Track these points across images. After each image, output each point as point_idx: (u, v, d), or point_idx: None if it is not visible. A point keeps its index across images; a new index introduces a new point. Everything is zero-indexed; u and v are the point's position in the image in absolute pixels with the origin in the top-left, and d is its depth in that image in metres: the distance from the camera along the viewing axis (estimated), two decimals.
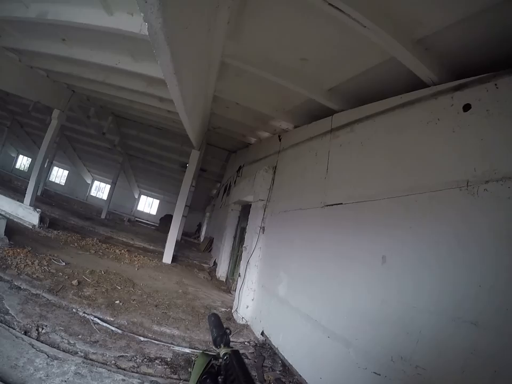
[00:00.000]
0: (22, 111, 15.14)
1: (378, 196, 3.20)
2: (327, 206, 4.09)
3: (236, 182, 10.57)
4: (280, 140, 6.59)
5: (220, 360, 0.96)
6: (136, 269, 8.00)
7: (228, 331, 1.09)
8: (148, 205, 31.96)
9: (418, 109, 2.97)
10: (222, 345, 1.02)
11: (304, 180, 5.00)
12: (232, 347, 1.02)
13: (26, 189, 10.07)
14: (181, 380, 3.37)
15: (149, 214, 30.99)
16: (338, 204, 3.86)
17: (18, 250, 5.82)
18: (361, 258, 3.24)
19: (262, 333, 5.06)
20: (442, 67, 2.97)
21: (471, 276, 2.08)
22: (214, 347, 1.05)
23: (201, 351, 1.00)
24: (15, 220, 8.51)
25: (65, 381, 2.72)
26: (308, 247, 4.42)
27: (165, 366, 3.59)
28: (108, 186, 23.51)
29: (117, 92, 8.59)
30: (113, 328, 4.16)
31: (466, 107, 2.44)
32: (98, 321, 4.22)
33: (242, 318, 5.74)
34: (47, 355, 3.03)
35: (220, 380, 0.87)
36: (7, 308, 3.76)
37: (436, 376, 2.12)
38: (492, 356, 1.83)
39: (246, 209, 8.34)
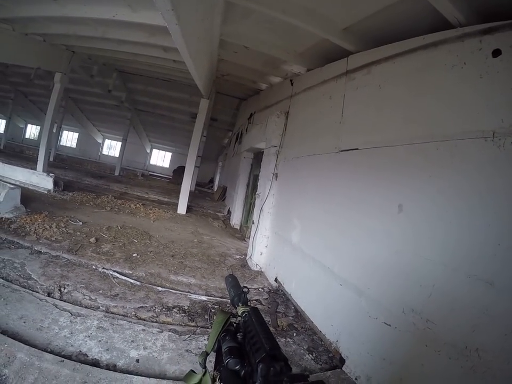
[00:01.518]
0: (24, 80, 14.99)
1: (396, 142, 3.03)
2: (341, 151, 3.94)
3: (247, 130, 10.40)
4: (292, 84, 6.27)
5: (239, 318, 0.96)
6: (152, 221, 8.20)
7: (246, 290, 1.10)
8: (161, 158, 32.21)
9: (442, 51, 2.67)
10: (240, 304, 1.02)
11: (317, 124, 4.80)
12: (250, 305, 1.02)
13: (38, 157, 10.13)
14: (198, 327, 3.52)
15: (162, 167, 31.38)
16: (354, 149, 3.71)
17: (35, 216, 5.95)
18: (377, 206, 3.16)
19: (276, 279, 5.21)
20: (471, 7, 2.62)
21: (490, 233, 1.98)
22: (232, 306, 1.07)
23: (219, 308, 1.01)
24: (30, 187, 8.69)
25: (89, 336, 2.87)
26: (321, 193, 4.36)
27: (183, 314, 3.76)
28: (119, 144, 23.56)
29: (118, 46, 8.25)
30: (132, 281, 4.33)
31: (496, 52, 2.17)
32: (117, 275, 4.39)
33: (256, 264, 5.90)
34: (70, 313, 3.19)
35: (239, 336, 0.88)
36: (30, 272, 3.91)
37: (445, 332, 2.12)
38: (504, 318, 1.79)
39: (258, 157, 8.27)
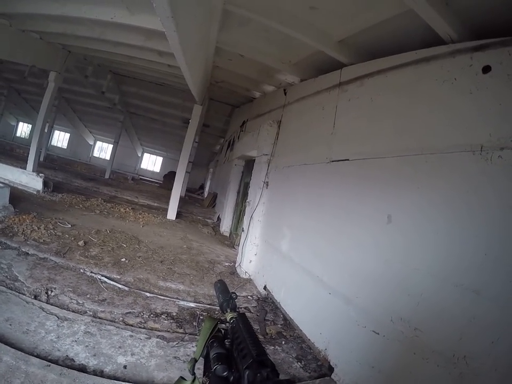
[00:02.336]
0: (18, 77, 14.76)
1: (387, 154, 3.10)
2: (332, 161, 3.99)
3: (239, 137, 10.44)
4: (285, 93, 6.33)
5: (227, 324, 0.96)
6: (141, 226, 8.15)
7: (234, 295, 1.10)
8: (152, 163, 31.98)
9: (434, 66, 2.76)
10: (229, 310, 1.03)
11: (309, 134, 4.86)
12: (238, 311, 1.02)
13: (28, 156, 9.99)
14: (186, 333, 3.49)
15: (152, 172, 31.15)
16: (345, 160, 3.76)
17: (24, 217, 5.85)
18: (366, 216, 3.21)
19: (265, 287, 5.21)
20: (463, 24, 2.72)
21: (477, 244, 2.04)
22: (221, 312, 1.07)
23: (207, 315, 1.01)
24: (19, 187, 8.54)
25: (76, 341, 2.83)
26: (311, 203, 4.40)
27: (171, 321, 3.72)
28: (111, 146, 23.35)
29: (114, 48, 8.19)
30: (120, 286, 4.28)
31: (486, 69, 2.25)
32: (106, 279, 4.34)
33: (246, 272, 5.89)
34: (57, 317, 3.13)
35: (227, 343, 0.88)
36: (16, 274, 3.84)
37: (433, 340, 2.16)
38: (491, 327, 1.84)
39: (249, 164, 8.29)
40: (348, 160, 3.71)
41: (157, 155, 31.43)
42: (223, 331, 0.96)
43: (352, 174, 3.61)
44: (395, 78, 3.24)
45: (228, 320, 0.97)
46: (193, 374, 0.91)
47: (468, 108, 2.35)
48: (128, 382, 2.48)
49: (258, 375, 0.65)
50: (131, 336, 3.15)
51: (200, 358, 0.93)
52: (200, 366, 0.95)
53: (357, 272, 3.15)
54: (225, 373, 0.75)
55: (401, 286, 2.56)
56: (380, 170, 3.16)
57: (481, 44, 2.36)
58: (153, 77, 11.24)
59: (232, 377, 0.74)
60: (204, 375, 0.85)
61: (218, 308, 1.11)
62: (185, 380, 0.94)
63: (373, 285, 2.89)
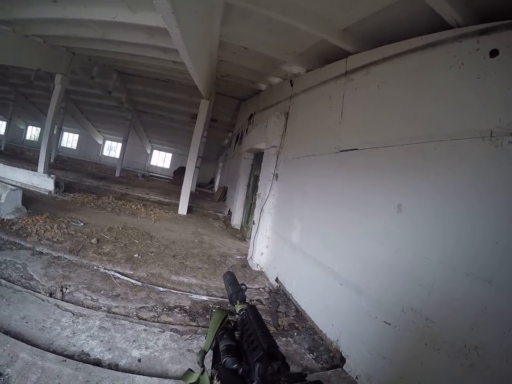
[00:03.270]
0: (24, 82, 14.99)
1: (395, 142, 3.04)
2: (341, 151, 3.96)
3: (247, 130, 10.43)
4: (292, 84, 6.29)
5: (237, 316, 0.96)
6: (153, 222, 8.23)
7: (244, 287, 1.09)
8: (161, 159, 32.26)
9: (440, 51, 2.68)
10: (238, 302, 1.02)
11: (317, 125, 4.82)
12: (248, 303, 1.02)
13: (38, 158, 10.15)
14: (199, 326, 3.53)
15: (162, 168, 31.43)
16: (353, 149, 3.73)
17: (37, 217, 5.98)
18: (376, 205, 3.17)
19: (276, 279, 5.23)
20: (468, 8, 2.63)
21: (488, 232, 1.99)
22: (230, 304, 1.06)
23: (217, 307, 1.00)
24: (31, 188, 8.73)
25: (91, 336, 2.89)
26: (321, 193, 4.37)
27: (184, 314, 3.77)
28: (120, 145, 23.59)
29: (118, 47, 8.27)
30: (133, 281, 4.35)
31: (494, 53, 2.18)
32: (119, 275, 4.41)
33: (257, 265, 5.92)
34: (72, 313, 3.20)
35: (236, 335, 0.88)
36: (31, 273, 3.93)
37: (445, 331, 2.13)
38: (502, 317, 1.80)
39: (258, 157, 8.29)
40: (357, 149, 3.67)
41: (166, 151, 31.66)
42: (232, 323, 0.95)
43: (361, 163, 3.57)
44: (401, 64, 3.17)
45: (237, 311, 0.97)
46: (203, 366, 0.91)
47: (476, 93, 2.28)
48: (142, 375, 2.51)
49: (269, 368, 0.64)
50: (145, 330, 3.21)
51: (210, 350, 0.93)
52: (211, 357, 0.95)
53: (368, 262, 3.12)
54: (234, 365, 0.74)
55: (412, 276, 2.53)
56: (389, 158, 3.11)
57: (487, 27, 2.29)
58: (158, 74, 11.30)
59: (241, 370, 0.74)
60: (212, 367, 0.85)
61: (228, 299, 1.10)
62: (193, 372, 0.94)
63: (384, 275, 2.86)
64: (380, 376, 2.61)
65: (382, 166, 3.20)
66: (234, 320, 0.96)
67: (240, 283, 1.12)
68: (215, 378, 0.78)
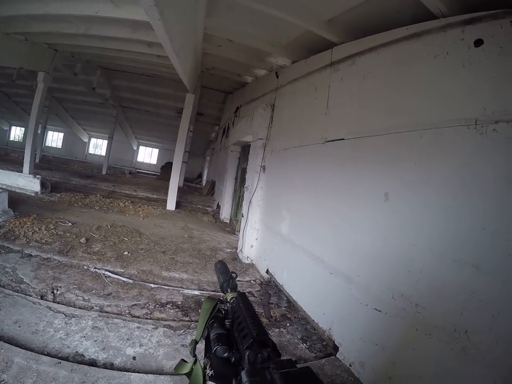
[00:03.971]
0: (7, 81, 14.39)
1: (381, 132, 3.07)
2: (328, 142, 3.97)
3: (234, 123, 10.39)
4: (277, 76, 6.26)
5: (228, 304, 0.96)
6: (142, 219, 8.18)
7: (234, 275, 1.09)
8: (148, 155, 31.89)
9: (425, 41, 2.71)
10: (229, 290, 1.02)
11: (303, 116, 4.83)
12: (238, 291, 1.02)
13: (23, 159, 9.93)
14: (192, 321, 3.54)
15: (149, 164, 31.12)
16: (340, 139, 3.74)
17: (24, 219, 5.87)
18: (364, 195, 3.20)
19: (267, 271, 5.27)
20: None
21: (475, 218, 2.04)
22: (222, 293, 1.06)
23: (207, 296, 1.00)
24: (17, 190, 8.53)
25: (84, 336, 2.87)
26: (309, 185, 4.40)
27: (177, 310, 3.78)
28: (105, 142, 23.20)
29: (101, 42, 8.06)
30: (124, 279, 4.32)
31: (478, 42, 2.21)
32: (110, 274, 4.38)
33: (248, 257, 5.96)
34: (65, 315, 3.17)
35: (227, 323, 0.87)
36: (21, 276, 3.87)
37: (435, 316, 2.19)
38: (491, 300, 1.85)
39: (245, 150, 8.28)
40: (343, 139, 3.69)
41: (152, 147, 31.32)
42: (223, 311, 0.95)
43: (347, 154, 3.60)
44: (387, 54, 3.18)
45: (228, 300, 0.96)
46: (194, 356, 0.90)
47: (461, 82, 2.32)
48: (138, 372, 2.51)
49: (259, 355, 0.65)
50: (138, 327, 3.20)
51: (202, 339, 0.92)
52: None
53: (356, 251, 3.17)
54: (226, 354, 0.74)
55: (401, 263, 2.57)
56: (375, 148, 3.14)
57: (472, 17, 2.31)
58: (143, 69, 11.12)
59: (233, 358, 0.73)
60: (205, 356, 0.85)
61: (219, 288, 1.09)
62: (186, 362, 0.94)
63: (373, 263, 2.91)
64: (373, 363, 2.67)
65: (368, 155, 3.23)
66: (226, 308, 0.95)
67: (230, 271, 1.12)
68: (207, 367, 0.78)
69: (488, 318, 1.83)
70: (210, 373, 0.74)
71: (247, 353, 0.66)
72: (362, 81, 3.50)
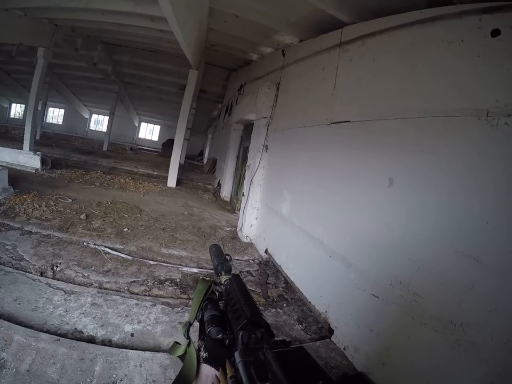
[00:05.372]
0: (6, 58, 13.94)
1: (389, 116, 2.99)
2: (333, 123, 3.90)
3: (237, 101, 10.25)
4: (284, 55, 6.09)
5: (222, 286, 0.95)
6: (142, 195, 8.19)
7: (228, 257, 1.07)
8: (149, 132, 31.51)
9: (440, 27, 2.57)
10: (223, 273, 1.00)
11: (309, 96, 4.71)
12: (233, 273, 1.00)
13: (23, 136, 9.84)
14: (190, 299, 3.57)
15: (150, 141, 30.76)
16: (346, 121, 3.66)
17: (24, 196, 5.87)
18: (368, 179, 3.16)
19: (266, 251, 5.30)
20: None
21: (480, 211, 2.00)
22: (216, 275, 1.04)
23: (201, 278, 0.98)
24: (17, 167, 8.51)
25: (83, 313, 2.91)
26: (312, 165, 4.35)
27: (175, 287, 3.82)
28: (107, 118, 22.95)
29: (102, 16, 7.79)
30: (123, 256, 4.35)
31: (495, 32, 2.09)
32: (109, 250, 4.41)
33: (247, 236, 5.99)
34: (64, 291, 3.20)
35: (221, 304, 0.86)
36: (21, 253, 3.88)
37: (432, 306, 2.18)
38: (489, 295, 1.84)
39: (248, 129, 8.19)
40: (349, 121, 3.61)
41: (154, 124, 30.93)
42: (217, 294, 0.94)
43: (353, 136, 3.53)
44: (399, 38, 3.05)
45: (222, 282, 0.95)
46: (188, 337, 0.88)
47: (474, 72, 2.22)
48: (136, 349, 2.55)
49: (253, 336, 0.64)
50: (137, 304, 3.24)
51: (195, 321, 0.91)
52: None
53: (358, 236, 3.16)
54: (219, 335, 0.73)
55: (401, 251, 2.56)
56: (382, 132, 3.07)
57: (490, 6, 2.18)
58: (145, 44, 10.88)
59: (228, 340, 0.73)
60: (199, 338, 0.84)
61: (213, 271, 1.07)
62: (180, 344, 0.93)
63: (373, 249, 2.90)
64: (367, 348, 2.70)
65: (375, 139, 3.16)
66: (220, 291, 0.94)
67: (225, 254, 1.10)
68: (202, 349, 0.77)
69: (485, 312, 1.82)
70: (204, 355, 0.74)
71: (241, 333, 0.66)
72: (372, 63, 3.38)
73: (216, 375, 0.66)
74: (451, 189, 2.25)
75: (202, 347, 0.76)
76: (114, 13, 7.32)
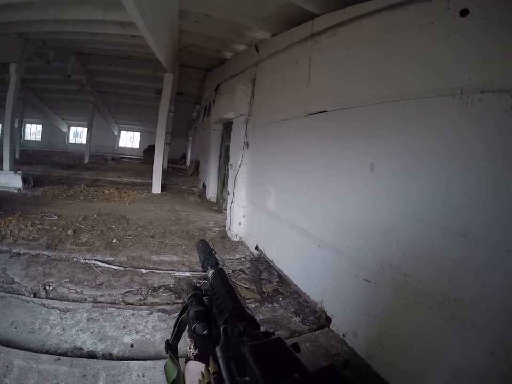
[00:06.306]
0: None
1: (365, 102, 3.03)
2: (310, 114, 3.93)
3: (215, 101, 10.17)
4: (257, 50, 6.09)
5: (210, 281, 0.93)
6: (128, 204, 8.09)
7: (213, 251, 1.05)
8: (130, 140, 30.97)
9: (409, 11, 2.62)
10: (209, 267, 0.98)
11: (285, 89, 4.75)
12: (218, 266, 0.98)
13: (2, 156, 9.55)
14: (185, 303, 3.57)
15: (132, 149, 30.21)
16: (323, 111, 3.70)
17: (9, 218, 5.70)
18: (348, 166, 3.21)
19: (256, 247, 5.33)
20: None
21: (462, 188, 2.05)
22: (203, 271, 1.02)
23: (189, 289, 0.98)
24: None
25: (81, 329, 2.86)
26: (292, 159, 4.39)
27: (170, 293, 3.81)
28: (85, 130, 22.45)
29: (73, 27, 7.63)
30: (115, 267, 4.30)
31: (464, 12, 2.14)
32: (100, 263, 4.34)
33: (236, 235, 6.00)
34: (59, 310, 3.14)
35: (205, 300, 0.84)
36: (12, 276, 3.79)
37: (424, 284, 2.24)
38: (479, 269, 1.89)
39: (228, 127, 8.15)
40: (326, 111, 3.65)
41: (134, 131, 30.39)
42: (203, 290, 0.91)
43: (331, 126, 3.57)
44: (369, 24, 3.09)
45: (208, 277, 0.93)
46: (171, 356, 0.85)
47: (446, 52, 2.27)
48: (137, 359, 2.54)
49: (235, 329, 0.62)
50: (133, 314, 3.21)
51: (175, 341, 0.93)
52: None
53: (343, 223, 3.20)
54: (205, 331, 0.72)
55: (388, 234, 2.61)
56: (359, 119, 3.12)
57: None
58: (119, 51, 10.70)
59: (215, 335, 0.71)
60: (189, 336, 0.84)
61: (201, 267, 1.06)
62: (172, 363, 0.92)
63: (361, 234, 2.95)
64: (366, 332, 2.75)
65: (352, 127, 3.21)
66: (206, 287, 0.92)
67: (210, 248, 1.08)
68: (192, 346, 0.77)
69: (477, 285, 1.87)
70: (195, 352, 0.72)
71: (222, 328, 0.64)
72: (344, 52, 3.42)
73: (201, 371, 0.66)
74: (432, 167, 2.30)
75: (192, 344, 0.76)
76: (84, 22, 7.19)
